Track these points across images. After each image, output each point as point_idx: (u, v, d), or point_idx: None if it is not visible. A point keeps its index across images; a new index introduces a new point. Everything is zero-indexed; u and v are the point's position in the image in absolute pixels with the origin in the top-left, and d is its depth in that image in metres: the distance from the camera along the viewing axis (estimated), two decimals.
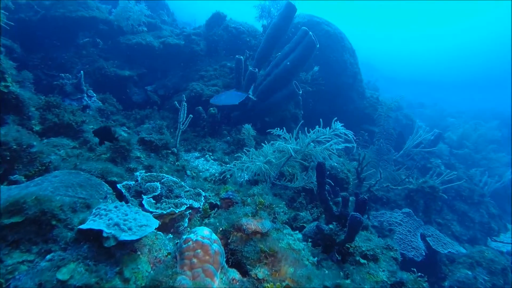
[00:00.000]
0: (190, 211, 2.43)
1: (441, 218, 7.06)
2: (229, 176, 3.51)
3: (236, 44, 7.65)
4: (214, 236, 1.63)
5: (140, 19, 7.70)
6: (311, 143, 3.41)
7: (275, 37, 6.22)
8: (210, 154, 4.66)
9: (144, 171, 2.88)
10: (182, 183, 2.85)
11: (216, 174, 3.75)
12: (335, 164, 4.40)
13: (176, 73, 7.41)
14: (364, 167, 5.10)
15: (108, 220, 1.46)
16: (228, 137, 5.33)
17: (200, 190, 2.67)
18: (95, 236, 1.39)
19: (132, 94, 7.22)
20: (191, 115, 3.84)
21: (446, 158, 9.30)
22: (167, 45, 7.34)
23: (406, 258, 4.98)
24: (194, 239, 1.54)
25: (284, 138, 3.70)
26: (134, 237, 1.41)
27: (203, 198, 2.60)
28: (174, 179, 2.82)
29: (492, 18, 44.19)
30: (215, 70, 7.11)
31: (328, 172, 4.04)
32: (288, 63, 5.74)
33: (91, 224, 1.40)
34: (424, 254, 5.15)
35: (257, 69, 5.85)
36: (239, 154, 3.67)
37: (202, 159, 4.51)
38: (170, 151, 3.60)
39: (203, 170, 4.01)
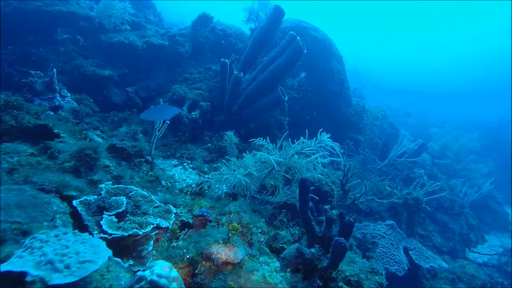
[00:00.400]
0: (158, 231, 2.15)
1: (423, 229, 6.97)
2: (206, 188, 3.24)
3: (222, 47, 7.39)
4: (175, 273, 1.37)
5: (124, 17, 7.33)
6: (295, 155, 3.18)
7: (262, 40, 6.00)
8: (189, 162, 4.36)
9: (111, 182, 2.57)
10: (153, 197, 2.56)
11: (193, 185, 3.46)
12: (320, 175, 4.19)
13: (159, 75, 7.08)
14: (349, 178, 4.92)
15: (40, 256, 1.17)
16: (209, 144, 5.04)
17: (171, 206, 2.39)
18: (17, 280, 1.10)
19: (112, 95, 6.84)
20: (168, 121, 3.55)
21: (429, 168, 9.29)
22: (151, 45, 7.01)
23: (389, 273, 4.83)
24: (148, 279, 1.27)
25: (267, 148, 3.46)
26: (71, 279, 1.13)
27: (173, 215, 2.33)
28: (144, 192, 2.53)
29: (479, 32, 45.44)
30: (199, 73, 6.82)
31: (312, 185, 3.82)
32: (275, 68, 5.52)
33: (13, 263, 1.11)
34: (406, 268, 5.02)
35: (242, 73, 5.61)
36: (219, 164, 3.41)
37: (180, 167, 4.22)
38: (144, 160, 3.30)
39: (180, 180, 3.72)
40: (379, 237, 5.57)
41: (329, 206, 4.44)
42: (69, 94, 5.08)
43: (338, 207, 4.81)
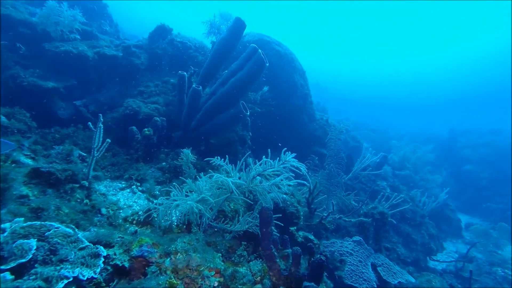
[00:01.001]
0: (74, 287, 1.62)
1: (388, 242, 6.87)
2: (155, 216, 2.73)
3: (181, 60, 6.95)
4: None
5: (73, 25, 6.65)
6: (257, 177, 2.79)
7: (223, 53, 5.65)
8: (138, 184, 3.80)
9: (23, 219, 1.99)
10: (80, 234, 2.02)
11: (140, 213, 2.93)
12: (284, 195, 3.83)
13: (112, 88, 6.44)
14: (315, 196, 4.62)
15: None
16: (164, 163, 4.51)
17: (101, 248, 1.87)
18: None
19: (58, 108, 6.07)
20: (108, 140, 3.01)
21: (391, 180, 9.38)
22: (103, 56, 6.38)
23: None
24: None
25: (226, 169, 3.03)
26: None
27: (102, 260, 1.81)
28: (67, 230, 1.98)
29: (434, 43, 48.18)
30: (156, 86, 6.30)
31: (274, 206, 3.43)
32: (236, 82, 5.18)
33: None
34: (375, 286, 4.78)
35: (201, 87, 5.19)
36: (171, 188, 2.92)
37: (128, 190, 3.64)
38: (78, 185, 2.72)
39: (125, 206, 3.15)
40: (347, 254, 5.31)
41: (295, 228, 4.10)
42: None
43: (304, 228, 4.47)
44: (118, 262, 1.88)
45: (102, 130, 2.94)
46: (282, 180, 2.64)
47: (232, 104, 5.29)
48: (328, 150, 6.71)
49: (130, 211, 3.05)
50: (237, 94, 5.25)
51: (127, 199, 3.38)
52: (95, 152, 2.90)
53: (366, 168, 8.44)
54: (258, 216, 2.82)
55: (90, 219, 2.56)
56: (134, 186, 3.69)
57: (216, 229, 2.80)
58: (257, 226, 2.69)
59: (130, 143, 4.93)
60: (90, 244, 1.96)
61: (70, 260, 1.75)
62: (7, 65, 5.82)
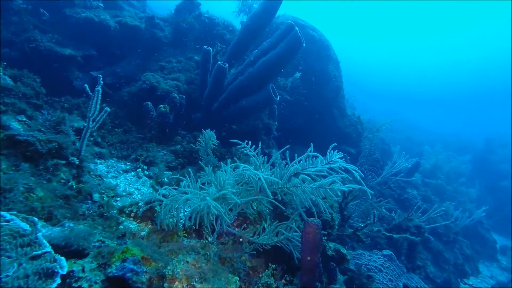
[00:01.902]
0: None
1: (418, 258, 5.99)
2: (159, 210, 2.05)
3: (208, 36, 6.23)
4: None
5: None
6: (293, 177, 2.05)
7: (254, 30, 4.88)
8: (145, 168, 3.15)
9: None
10: (42, 232, 1.36)
11: (140, 204, 2.27)
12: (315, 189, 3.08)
13: (132, 61, 5.82)
14: (349, 202, 3.83)
15: None
16: (178, 146, 3.84)
17: (63, 260, 1.21)
18: None
19: (74, 78, 5.53)
20: (107, 109, 2.34)
21: (422, 189, 8.38)
22: (124, 26, 5.76)
23: None
24: None
25: (252, 160, 2.31)
26: None
27: (56, 284, 1.14)
28: (21, 225, 1.33)
29: (475, 36, 43.28)
30: (179, 62, 5.62)
31: (305, 210, 2.67)
32: (267, 62, 4.41)
33: None
34: None
35: (227, 65, 4.46)
36: (181, 178, 2.23)
37: (132, 173, 3.00)
38: (64, 162, 2.09)
39: (124, 193, 2.51)
40: (376, 270, 4.50)
41: (326, 239, 3.35)
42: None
43: (336, 238, 3.72)
44: (86, 286, 1.21)
45: (99, 95, 2.27)
46: (332, 183, 1.88)
47: (261, 87, 4.54)
48: (363, 150, 5.88)
49: (129, 200, 2.39)
50: (266, 76, 4.48)
51: (129, 184, 2.74)
52: (90, 123, 2.25)
53: (397, 174, 7.52)
54: (291, 225, 2.08)
55: (73, 208, 1.91)
56: (140, 170, 3.04)
57: (232, 239, 2.08)
58: (290, 241, 1.96)
59: (144, 120, 4.30)
60: (51, 250, 1.29)
61: (4, 279, 1.08)
62: (25, 28, 5.32)
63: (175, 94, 4.15)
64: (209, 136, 3.37)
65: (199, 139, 3.57)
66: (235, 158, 4.31)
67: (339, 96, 7.15)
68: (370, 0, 44.72)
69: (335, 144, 2.31)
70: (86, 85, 2.28)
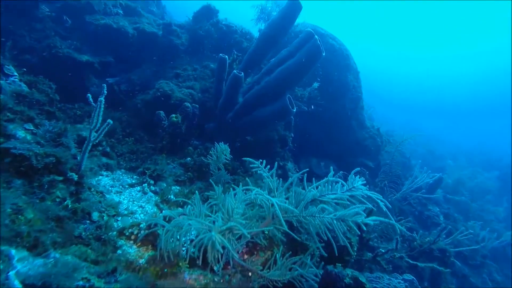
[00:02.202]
0: None
1: (443, 284, 5.51)
2: (162, 234, 1.84)
3: (225, 44, 6.08)
4: None
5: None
6: (309, 205, 1.79)
7: (272, 37, 4.67)
8: (152, 182, 2.96)
9: None
10: (11, 273, 1.16)
11: (142, 225, 2.06)
12: (335, 221, 2.79)
13: (148, 68, 5.73)
14: (372, 238, 3.50)
15: None
16: (189, 158, 3.64)
17: None
18: None
19: (91, 85, 5.50)
20: (110, 121, 2.16)
21: (445, 206, 7.84)
22: (142, 32, 5.69)
23: None
24: None
25: (266, 182, 2.07)
26: None
27: None
28: None
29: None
30: (194, 70, 5.48)
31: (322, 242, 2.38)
32: (284, 71, 4.17)
33: None
34: None
35: (243, 73, 4.26)
36: (187, 200, 2.01)
37: (138, 188, 2.82)
38: (62, 178, 1.92)
39: (125, 212, 2.32)
40: None
41: (342, 265, 3.04)
42: (15, 73, 3.73)
43: (354, 263, 3.39)
44: None
45: (102, 106, 2.10)
46: (356, 215, 1.61)
47: (277, 97, 4.30)
48: (381, 163, 5.51)
49: (131, 221, 2.19)
50: (284, 85, 4.25)
51: (133, 201, 2.54)
52: (91, 136, 2.07)
53: (418, 190, 7.06)
54: (305, 261, 1.82)
55: (67, 231, 1.73)
56: (146, 184, 2.86)
57: (241, 268, 1.84)
58: (305, 280, 1.69)
59: (156, 129, 4.15)
60: None
61: None
62: (46, 35, 5.35)
63: (187, 104, 3.98)
64: (221, 150, 3.14)
65: (211, 152, 3.35)
66: (247, 179, 4.07)
67: (358, 107, 6.81)
68: (390, 5, 43.45)
69: (358, 169, 2.04)
70: (89, 94, 2.11)
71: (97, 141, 2.12)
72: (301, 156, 6.83)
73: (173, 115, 3.82)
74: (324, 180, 1.89)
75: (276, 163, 2.23)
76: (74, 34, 5.71)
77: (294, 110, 4.30)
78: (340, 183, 1.94)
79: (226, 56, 4.60)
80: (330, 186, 1.93)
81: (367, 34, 48.19)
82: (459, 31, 44.21)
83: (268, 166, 2.30)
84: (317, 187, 1.90)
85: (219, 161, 3.19)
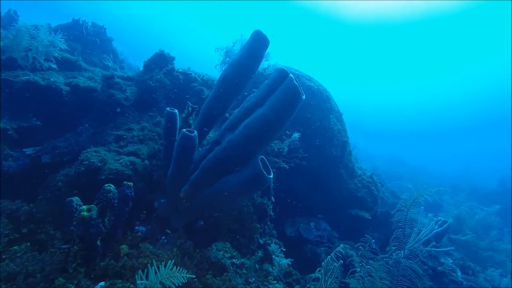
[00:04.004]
0: None
1: None
2: None
3: (183, 95, 4.78)
4: None
5: (50, 52, 4.75)
6: None
7: (235, 80, 3.38)
8: None
9: None
10: None
11: None
12: None
13: (85, 131, 4.26)
14: None
15: None
16: (103, 283, 2.05)
17: None
18: None
19: (5, 158, 3.91)
20: None
21: (457, 255, 6.37)
22: (75, 88, 4.31)
23: None
24: None
25: None
26: None
27: None
28: None
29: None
30: (142, 130, 4.06)
31: None
32: (252, 125, 2.82)
33: None
34: None
35: (196, 132, 2.86)
36: None
37: None
38: None
39: None
40: None
41: None
42: None
43: None
44: None
45: None
46: None
47: (246, 160, 2.89)
48: (395, 228, 4.11)
49: None
50: (253, 145, 2.86)
51: None
52: None
53: (429, 243, 5.60)
54: None
55: None
56: None
57: None
58: None
59: (67, 228, 2.56)
60: None
61: None
62: None
63: (109, 187, 2.46)
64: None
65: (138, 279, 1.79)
66: (214, 266, 2.51)
67: (345, 153, 5.53)
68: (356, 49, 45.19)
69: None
70: None
71: None
72: (285, 218, 5.30)
73: (84, 206, 2.28)
74: None
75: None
76: None
77: (271, 176, 2.88)
78: None
79: (176, 110, 3.24)
80: None
81: (335, 70, 49.63)
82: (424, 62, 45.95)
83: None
84: None
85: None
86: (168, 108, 3.22)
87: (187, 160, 3.01)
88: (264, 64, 5.45)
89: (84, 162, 3.08)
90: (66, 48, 4.78)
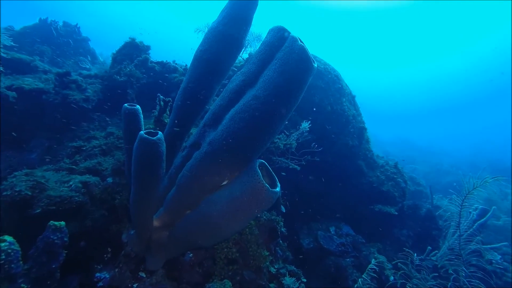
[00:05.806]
0: None
1: None
2: None
3: (160, 88, 3.67)
4: None
5: None
6: None
7: (214, 59, 2.27)
8: None
9: None
10: None
11: None
12: None
13: (38, 144, 3.20)
14: None
15: None
16: None
17: None
18: None
19: None
20: None
21: (508, 251, 5.20)
22: (21, 93, 3.23)
23: None
24: None
25: None
26: None
27: None
28: None
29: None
30: (106, 137, 2.97)
31: None
32: (244, 114, 1.72)
33: None
34: None
35: (160, 134, 1.76)
36: None
37: None
38: None
39: None
40: None
41: None
42: None
43: None
44: None
45: None
46: None
47: (237, 166, 1.80)
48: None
49: None
50: (245, 143, 1.75)
51: None
52: None
53: (472, 239, 4.47)
54: None
55: None
56: None
57: None
58: None
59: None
60: None
61: None
62: None
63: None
64: None
65: None
66: None
67: (363, 142, 4.39)
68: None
69: None
70: None
71: None
72: (299, 224, 4.20)
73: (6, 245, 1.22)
74: None
75: None
76: None
77: (278, 190, 1.77)
78: None
79: (137, 106, 2.14)
80: None
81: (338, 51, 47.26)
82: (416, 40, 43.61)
83: None
84: None
85: None
86: (126, 105, 2.12)
87: (152, 174, 1.91)
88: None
89: (4, 193, 2.01)
90: (12, 44, 3.71)
